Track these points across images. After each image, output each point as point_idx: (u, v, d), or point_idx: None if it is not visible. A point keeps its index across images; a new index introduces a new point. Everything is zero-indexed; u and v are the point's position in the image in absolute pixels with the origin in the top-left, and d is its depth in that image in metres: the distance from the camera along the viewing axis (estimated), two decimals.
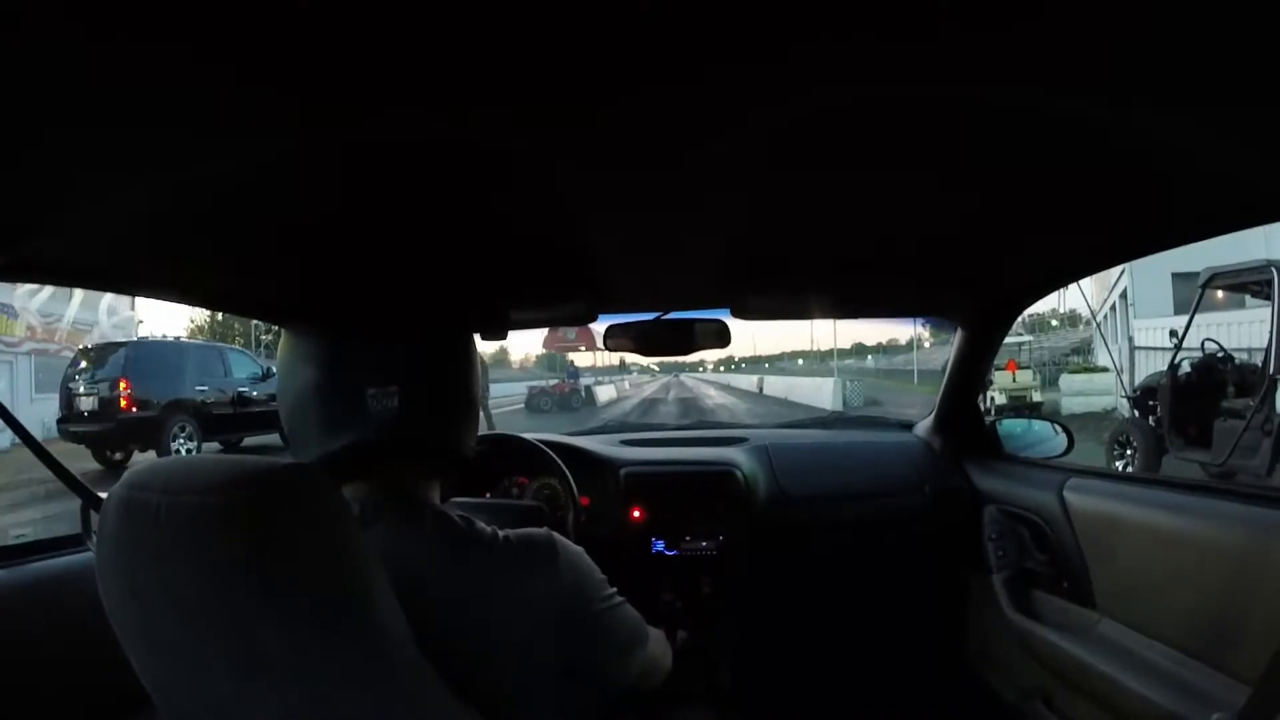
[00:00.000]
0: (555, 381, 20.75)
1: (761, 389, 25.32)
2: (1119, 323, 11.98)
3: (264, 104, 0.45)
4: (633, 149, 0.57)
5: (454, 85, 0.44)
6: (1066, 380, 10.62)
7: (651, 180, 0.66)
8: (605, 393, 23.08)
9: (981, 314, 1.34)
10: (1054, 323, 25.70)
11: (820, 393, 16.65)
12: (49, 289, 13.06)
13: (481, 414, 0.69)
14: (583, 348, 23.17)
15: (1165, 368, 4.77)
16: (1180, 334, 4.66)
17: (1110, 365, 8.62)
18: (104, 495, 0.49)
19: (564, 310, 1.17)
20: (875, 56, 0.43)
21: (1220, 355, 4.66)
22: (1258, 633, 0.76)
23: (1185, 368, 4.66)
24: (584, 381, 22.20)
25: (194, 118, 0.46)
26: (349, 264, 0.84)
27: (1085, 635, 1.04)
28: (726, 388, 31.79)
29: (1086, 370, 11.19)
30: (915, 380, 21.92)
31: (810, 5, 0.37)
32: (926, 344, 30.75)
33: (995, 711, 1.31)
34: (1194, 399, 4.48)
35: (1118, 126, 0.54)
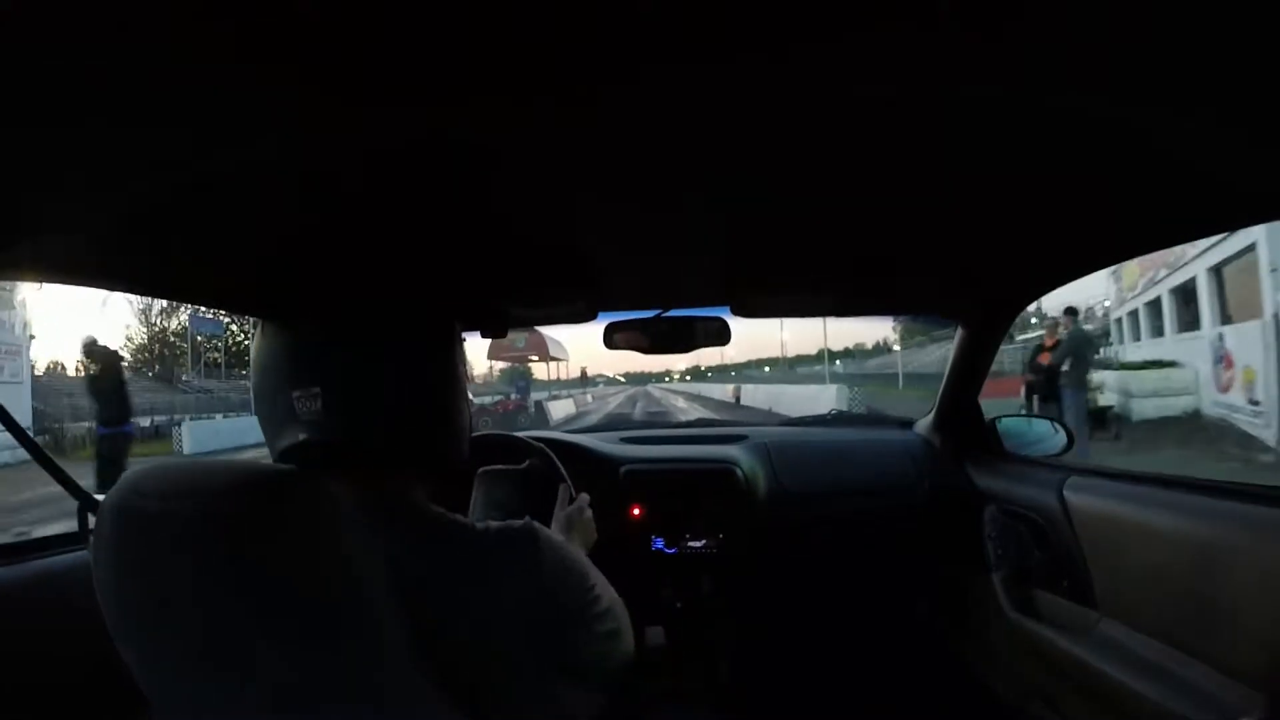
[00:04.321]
0: (498, 399, 17.69)
1: (738, 399, 23.25)
2: (1191, 309, 9.90)
3: (262, 103, 0.45)
4: (631, 147, 0.57)
5: (453, 80, 0.44)
6: (1136, 379, 9.17)
7: (650, 178, 0.66)
8: (561, 409, 19.77)
9: (982, 312, 1.33)
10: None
11: (815, 404, 13.35)
12: None
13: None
14: (534, 358, 19.94)
15: None
16: None
17: (1177, 360, 8.06)
18: (100, 498, 0.49)
19: (564, 308, 1.17)
20: (875, 56, 0.43)
21: None
22: (1258, 632, 0.76)
23: None
24: (537, 396, 19.88)
25: (191, 117, 0.46)
26: (349, 264, 0.84)
27: (1085, 635, 1.04)
28: (697, 398, 30.31)
29: (1156, 366, 9.61)
30: (900, 385, 20.26)
31: (809, 3, 0.37)
32: (895, 347, 29.95)
33: (995, 711, 1.31)
34: None
35: (1118, 126, 0.54)
